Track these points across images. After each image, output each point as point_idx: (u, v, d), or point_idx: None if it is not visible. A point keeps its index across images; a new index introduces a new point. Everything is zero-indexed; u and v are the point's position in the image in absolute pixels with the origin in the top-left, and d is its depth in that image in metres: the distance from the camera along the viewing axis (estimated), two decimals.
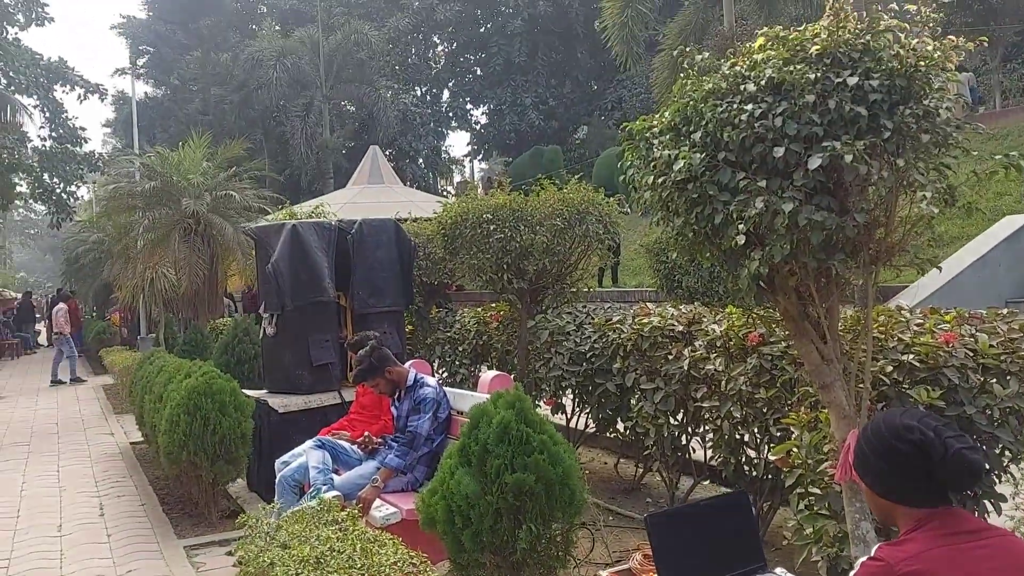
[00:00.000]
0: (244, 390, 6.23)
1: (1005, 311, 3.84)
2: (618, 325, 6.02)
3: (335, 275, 6.70)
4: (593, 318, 6.50)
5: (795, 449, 3.66)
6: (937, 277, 9.78)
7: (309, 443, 4.84)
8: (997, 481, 3.55)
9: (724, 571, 2.54)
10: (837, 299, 3.26)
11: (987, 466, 2.86)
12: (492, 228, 6.87)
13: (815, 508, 3.54)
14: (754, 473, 4.87)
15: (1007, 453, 3.52)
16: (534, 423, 3.47)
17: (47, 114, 23.55)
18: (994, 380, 3.47)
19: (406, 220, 8.80)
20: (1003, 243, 10.29)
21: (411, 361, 5.39)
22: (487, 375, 4.69)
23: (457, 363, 8.10)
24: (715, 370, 4.92)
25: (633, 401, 5.76)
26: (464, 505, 3.32)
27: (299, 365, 6.52)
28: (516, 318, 7.33)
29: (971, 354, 3.49)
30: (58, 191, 21.84)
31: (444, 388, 4.87)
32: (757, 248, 2.96)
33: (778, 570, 2.63)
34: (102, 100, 25.46)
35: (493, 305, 8.07)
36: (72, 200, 22.73)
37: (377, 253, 6.95)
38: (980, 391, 3.45)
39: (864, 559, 1.84)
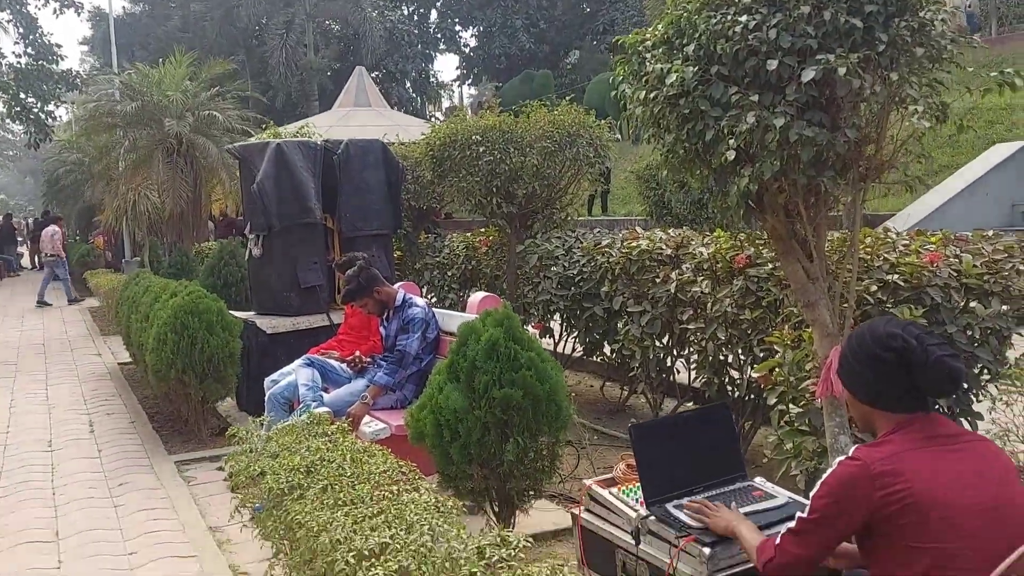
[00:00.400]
0: (232, 311, 6.24)
1: (990, 233, 3.86)
2: (607, 249, 6.03)
3: (322, 197, 6.64)
4: (582, 242, 6.51)
5: (778, 367, 3.72)
6: (925, 204, 9.82)
7: (298, 361, 4.87)
8: (975, 400, 3.63)
9: (705, 480, 2.60)
10: (825, 217, 3.27)
11: (965, 374, 2.89)
12: (481, 150, 6.80)
13: (795, 424, 3.62)
14: (736, 394, 4.96)
15: (986, 372, 3.59)
16: (522, 340, 3.50)
17: (21, 29, 22.82)
18: (976, 300, 3.52)
19: (393, 144, 8.68)
20: (992, 171, 10.31)
21: (400, 283, 5.39)
22: (476, 296, 4.70)
23: (446, 288, 8.12)
24: (701, 292, 4.95)
25: (620, 324, 5.81)
26: (452, 419, 3.38)
27: (286, 287, 6.51)
28: (505, 243, 7.33)
29: (955, 274, 3.53)
30: (35, 110, 21.31)
31: (433, 309, 4.89)
32: (747, 165, 2.94)
33: (757, 480, 2.71)
34: (78, 14, 24.73)
35: (482, 230, 8.06)
36: (50, 120, 22.22)
37: (364, 175, 6.88)
38: (962, 311, 3.50)
39: (841, 458, 1.89)
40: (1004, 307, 3.50)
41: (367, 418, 4.48)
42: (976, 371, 3.58)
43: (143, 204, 12.38)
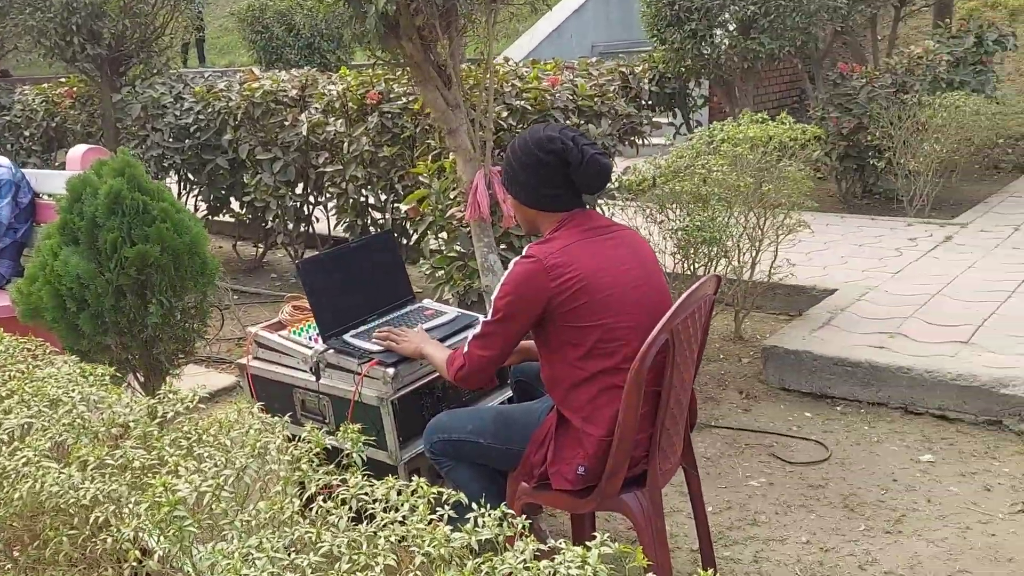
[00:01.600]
0: None
1: (594, 59, 4.26)
2: (224, 93, 5.53)
3: None
4: (193, 87, 5.87)
5: (426, 198, 3.79)
6: (520, 48, 10.56)
7: None
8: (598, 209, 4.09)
9: (377, 308, 2.60)
10: (460, 44, 3.31)
11: (612, 171, 3.20)
12: None
13: (445, 251, 3.77)
14: None
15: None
16: (150, 191, 3.08)
17: None
18: (588, 121, 3.89)
19: None
20: (572, 15, 11.30)
21: None
22: (77, 149, 3.99)
23: (24, 152, 6.84)
24: (336, 133, 4.82)
25: (247, 177, 5.46)
26: (77, 287, 2.91)
27: None
28: (96, 94, 6.32)
29: (572, 98, 3.85)
30: None
31: (21, 169, 4.08)
32: None
33: (425, 301, 2.78)
34: None
35: (63, 80, 6.84)
36: None
37: None
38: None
39: (517, 259, 2.01)
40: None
41: None
42: None
43: None
